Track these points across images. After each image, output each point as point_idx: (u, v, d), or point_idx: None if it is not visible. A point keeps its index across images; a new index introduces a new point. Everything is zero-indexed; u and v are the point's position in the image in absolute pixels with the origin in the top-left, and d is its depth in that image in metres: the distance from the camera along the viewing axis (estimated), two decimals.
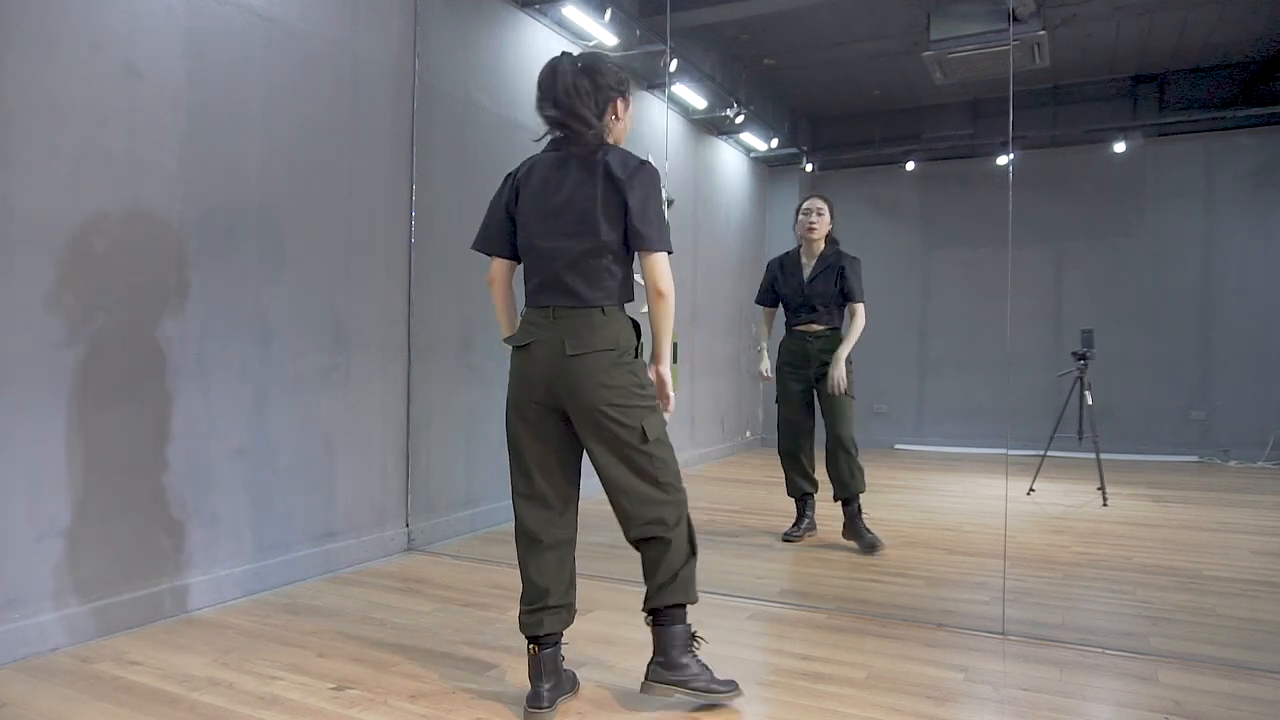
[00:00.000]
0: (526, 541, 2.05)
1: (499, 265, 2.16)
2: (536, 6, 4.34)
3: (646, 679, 2.02)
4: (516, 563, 2.08)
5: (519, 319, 2.10)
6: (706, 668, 2.04)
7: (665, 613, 2.02)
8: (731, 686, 2.05)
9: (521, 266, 2.11)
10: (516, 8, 4.27)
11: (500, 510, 4.17)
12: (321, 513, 3.20)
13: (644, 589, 2.06)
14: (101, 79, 2.44)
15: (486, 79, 4.08)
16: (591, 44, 4.76)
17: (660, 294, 2.01)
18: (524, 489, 2.05)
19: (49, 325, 2.33)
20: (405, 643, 2.45)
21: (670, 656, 2.01)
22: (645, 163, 2.01)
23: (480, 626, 2.62)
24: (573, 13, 4.41)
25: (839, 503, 3.70)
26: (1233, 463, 6.13)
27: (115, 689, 2.09)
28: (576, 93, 1.98)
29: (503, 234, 2.11)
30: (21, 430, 2.27)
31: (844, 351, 3.66)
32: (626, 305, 2.07)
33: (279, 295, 3.01)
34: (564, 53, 2.03)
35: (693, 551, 2.06)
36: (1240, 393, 6.15)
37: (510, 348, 2.07)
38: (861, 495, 3.67)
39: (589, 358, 1.95)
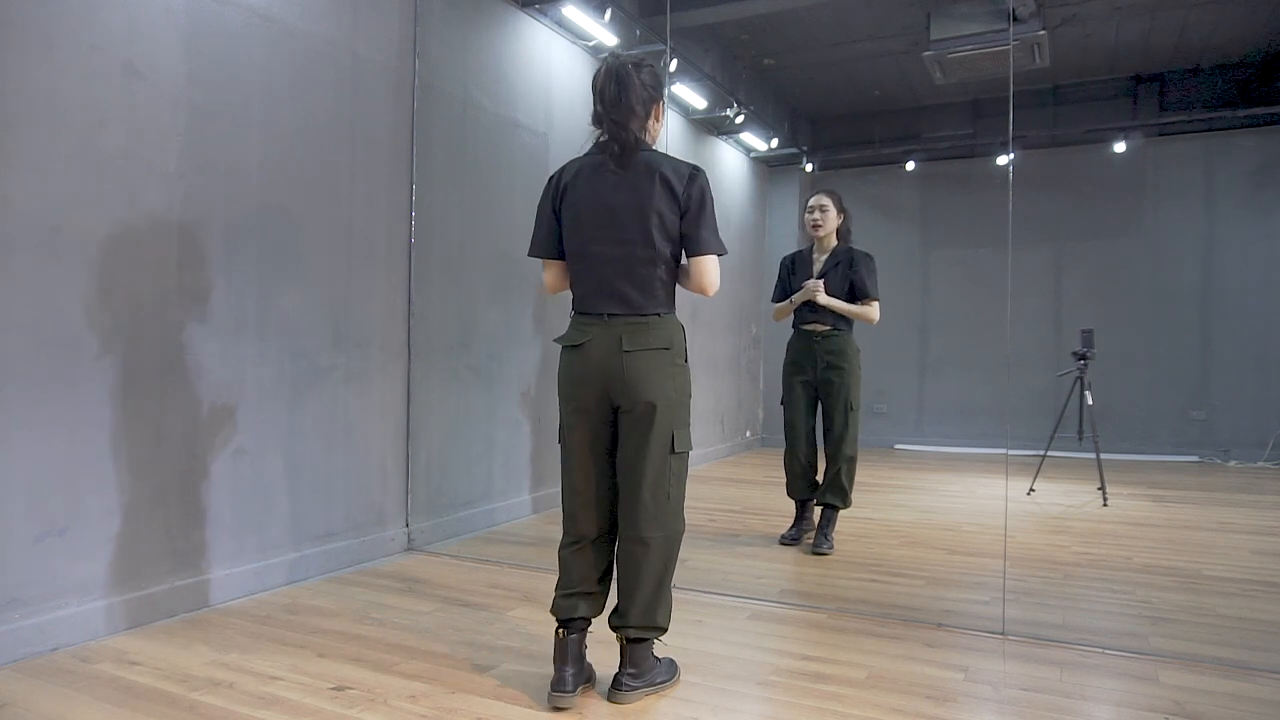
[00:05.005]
0: (569, 529, 2.12)
1: (555, 271, 2.17)
2: (536, 6, 4.34)
3: (618, 690, 2.05)
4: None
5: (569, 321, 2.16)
6: (658, 657, 2.15)
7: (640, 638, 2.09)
8: (673, 666, 2.18)
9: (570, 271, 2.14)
10: (516, 8, 4.27)
11: (500, 510, 4.17)
12: (321, 513, 3.20)
13: (629, 599, 2.09)
14: (101, 79, 2.44)
15: (486, 79, 4.08)
16: (591, 44, 4.76)
17: (705, 293, 2.08)
18: (571, 481, 2.11)
19: (49, 325, 2.33)
20: (405, 643, 2.45)
21: (641, 666, 2.08)
22: (698, 169, 2.04)
23: (480, 626, 2.62)
24: (573, 13, 4.41)
25: (819, 506, 3.74)
26: (1233, 463, 6.12)
27: (115, 689, 2.09)
28: (638, 96, 2.01)
29: (554, 237, 2.14)
30: (21, 430, 2.27)
31: (839, 305, 3.62)
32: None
33: (279, 295, 3.01)
34: (615, 55, 2.05)
35: (670, 582, 2.12)
36: (1240, 393, 6.15)
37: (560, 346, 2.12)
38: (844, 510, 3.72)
39: (644, 354, 2.00)
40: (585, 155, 2.10)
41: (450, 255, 3.84)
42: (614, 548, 2.14)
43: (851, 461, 3.66)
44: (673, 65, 4.99)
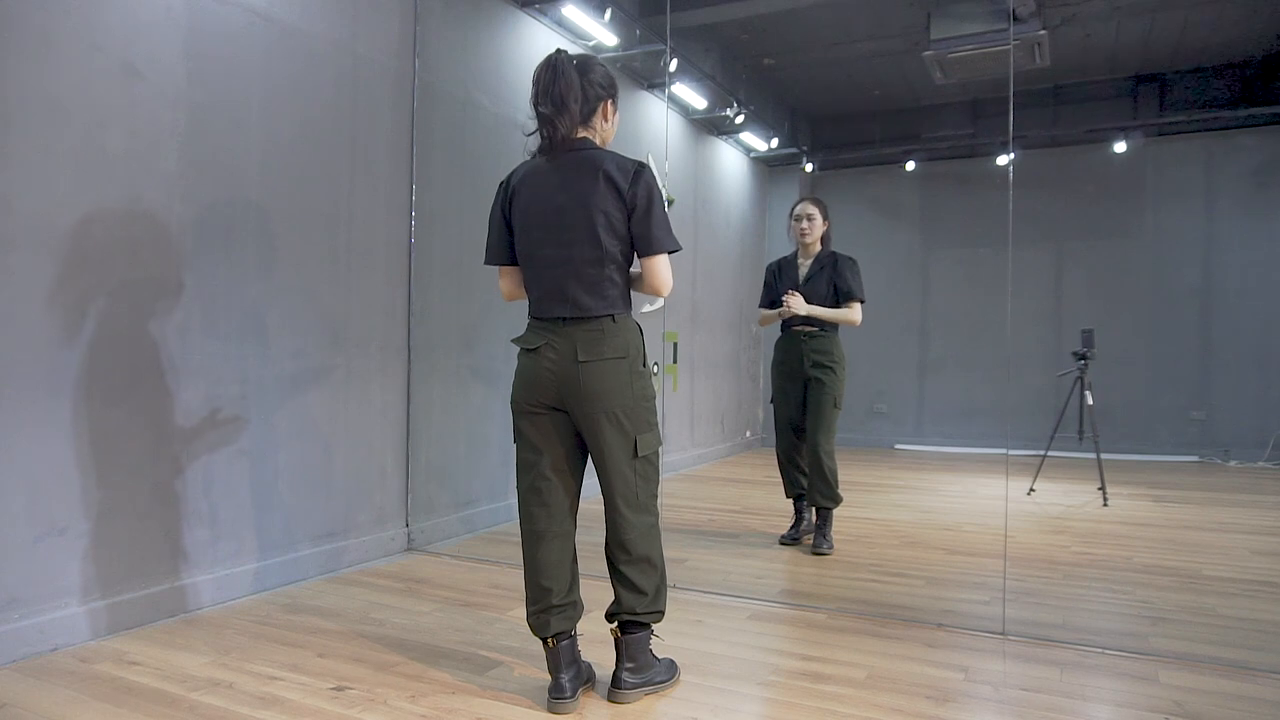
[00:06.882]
0: (529, 537, 2.07)
1: (511, 278, 2.15)
2: (536, 6, 4.34)
3: (617, 688, 2.05)
4: (517, 563, 2.09)
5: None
6: (657, 657, 2.15)
7: (635, 623, 2.08)
8: (673, 666, 2.19)
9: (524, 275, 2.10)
10: (516, 8, 4.27)
11: (500, 510, 4.17)
12: (321, 513, 3.20)
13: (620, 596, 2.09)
14: (101, 79, 2.44)
15: (486, 79, 4.08)
16: (591, 44, 4.76)
17: (660, 293, 2.05)
18: (527, 485, 2.07)
19: (49, 325, 2.33)
20: (405, 643, 2.45)
21: (639, 661, 2.07)
22: (644, 165, 2.01)
23: (480, 626, 2.62)
24: (573, 13, 4.41)
25: (812, 509, 3.76)
26: (1233, 463, 6.12)
27: (115, 689, 2.09)
28: (571, 90, 1.97)
29: (506, 243, 2.12)
30: (21, 430, 2.27)
31: (821, 312, 3.65)
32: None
33: (279, 295, 3.01)
34: (559, 50, 2.01)
35: (662, 568, 2.11)
36: (1240, 393, 6.15)
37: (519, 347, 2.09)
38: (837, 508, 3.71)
39: (601, 364, 1.97)
40: (532, 158, 2.08)
41: (450, 255, 3.84)
42: (570, 550, 2.09)
43: (830, 456, 3.68)
44: (673, 65, 4.99)
